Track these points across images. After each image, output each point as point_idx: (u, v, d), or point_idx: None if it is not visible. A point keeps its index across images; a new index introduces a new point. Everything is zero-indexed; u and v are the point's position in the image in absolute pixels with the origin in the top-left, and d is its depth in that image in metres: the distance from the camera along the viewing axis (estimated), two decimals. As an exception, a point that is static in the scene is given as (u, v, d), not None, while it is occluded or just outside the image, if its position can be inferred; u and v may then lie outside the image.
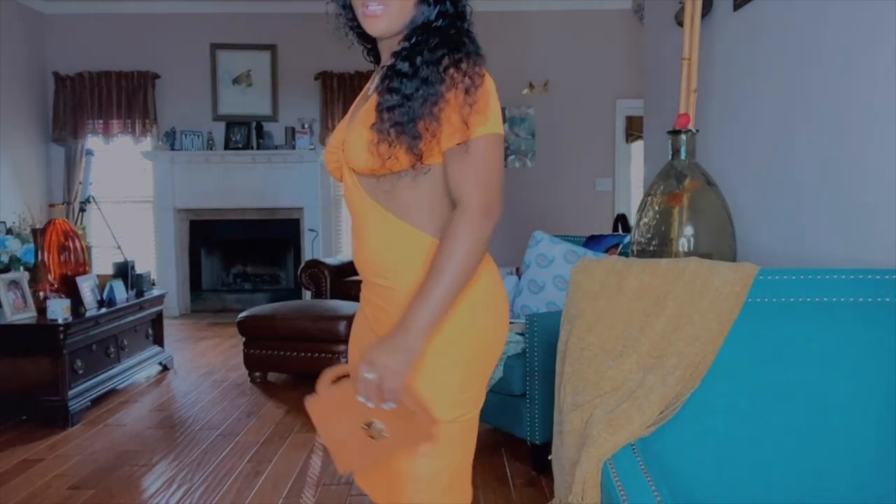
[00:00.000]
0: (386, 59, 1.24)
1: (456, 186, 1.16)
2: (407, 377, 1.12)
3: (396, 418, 1.14)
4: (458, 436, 1.25)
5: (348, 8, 1.27)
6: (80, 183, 6.69)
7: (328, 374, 1.19)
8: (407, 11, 1.20)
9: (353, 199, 1.26)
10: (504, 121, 6.87)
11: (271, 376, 4.36)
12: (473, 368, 1.26)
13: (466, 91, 1.13)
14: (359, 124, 1.21)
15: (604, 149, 7.02)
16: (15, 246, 3.71)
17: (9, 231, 4.06)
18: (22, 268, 3.69)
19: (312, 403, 1.19)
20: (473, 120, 1.13)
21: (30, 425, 3.42)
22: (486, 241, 1.16)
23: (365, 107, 1.23)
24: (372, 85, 1.29)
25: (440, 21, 1.19)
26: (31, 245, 3.74)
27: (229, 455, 3.04)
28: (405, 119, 1.13)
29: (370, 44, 1.33)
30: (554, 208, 6.90)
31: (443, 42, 1.17)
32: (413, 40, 1.19)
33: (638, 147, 6.83)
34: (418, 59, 1.15)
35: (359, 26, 1.26)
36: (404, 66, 1.16)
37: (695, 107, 2.42)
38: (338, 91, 6.71)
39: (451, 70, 1.14)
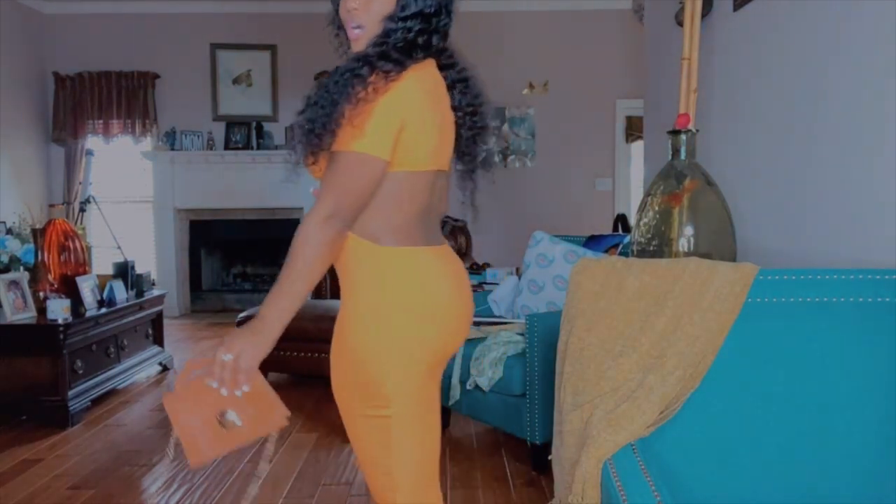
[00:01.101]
0: None
1: (321, 189, 1.22)
2: (259, 360, 1.19)
3: (248, 406, 1.18)
4: (377, 432, 1.31)
5: (344, 30, 1.34)
6: (80, 183, 6.69)
7: (186, 369, 1.23)
8: (377, 28, 1.26)
9: None
10: (504, 121, 6.92)
11: (271, 376, 4.36)
12: (378, 366, 1.28)
13: (356, 103, 1.17)
14: None
15: (604, 149, 7.02)
16: (15, 246, 3.71)
17: (9, 231, 4.06)
18: (22, 268, 3.68)
19: (167, 397, 1.22)
20: (348, 132, 1.18)
21: (30, 425, 3.42)
22: (326, 244, 1.20)
23: None
24: None
25: (397, 35, 1.24)
26: (31, 245, 3.74)
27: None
28: (302, 122, 1.22)
29: None
30: (554, 208, 6.90)
31: (371, 55, 1.21)
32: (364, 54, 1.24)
33: (638, 147, 6.83)
34: (338, 71, 1.22)
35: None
36: (325, 79, 1.23)
37: (695, 107, 2.42)
38: (338, 91, 6.70)
39: (354, 81, 1.19)
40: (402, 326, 1.28)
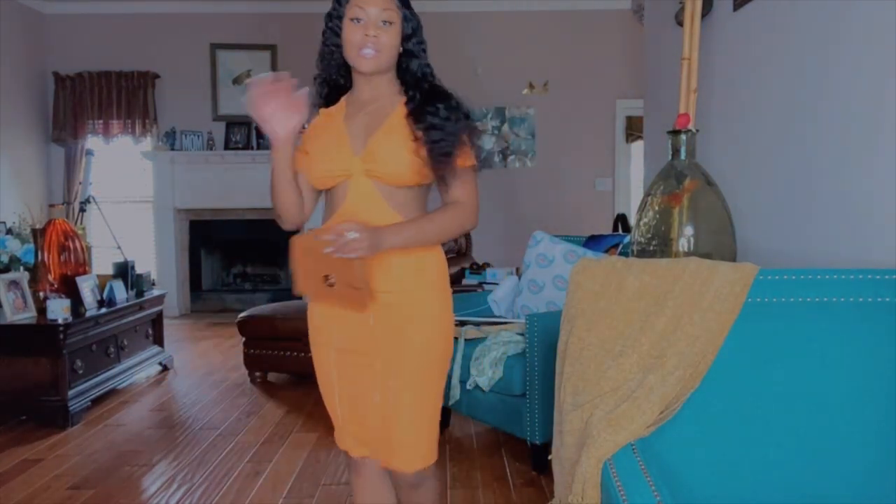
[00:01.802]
0: (365, 91, 1.64)
1: (460, 194, 1.61)
2: (370, 253, 1.49)
3: (347, 283, 1.52)
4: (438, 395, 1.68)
5: (339, 47, 1.64)
6: (80, 183, 6.69)
7: (322, 230, 1.55)
8: (391, 59, 1.60)
9: (364, 200, 1.59)
10: (504, 121, 6.94)
11: (271, 376, 4.36)
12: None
13: (471, 134, 1.61)
14: (390, 145, 1.57)
15: (604, 149, 7.02)
16: (15, 246, 3.71)
17: (9, 231, 4.06)
18: (22, 268, 3.68)
19: (299, 238, 1.56)
20: (472, 153, 1.60)
21: (30, 425, 3.42)
22: (462, 232, 1.65)
23: (383, 132, 1.59)
24: (361, 109, 1.64)
25: (429, 76, 1.64)
26: (31, 245, 3.74)
27: (229, 455, 3.04)
28: (449, 150, 1.55)
29: (343, 79, 1.72)
30: (554, 208, 6.90)
31: (447, 96, 1.62)
32: (421, 90, 1.61)
33: (638, 147, 6.83)
34: (443, 109, 1.58)
35: (340, 64, 1.67)
36: (442, 113, 1.57)
37: (695, 107, 2.42)
38: (338, 91, 6.70)
39: (464, 119, 1.60)
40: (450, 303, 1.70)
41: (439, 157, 1.54)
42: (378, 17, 1.56)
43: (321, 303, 1.63)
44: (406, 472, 1.63)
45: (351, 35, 1.57)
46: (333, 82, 1.72)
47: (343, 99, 1.69)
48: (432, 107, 1.58)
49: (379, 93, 1.63)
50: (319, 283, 1.55)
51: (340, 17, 1.61)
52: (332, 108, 1.70)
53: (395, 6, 1.58)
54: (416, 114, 1.58)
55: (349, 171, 1.59)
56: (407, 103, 1.61)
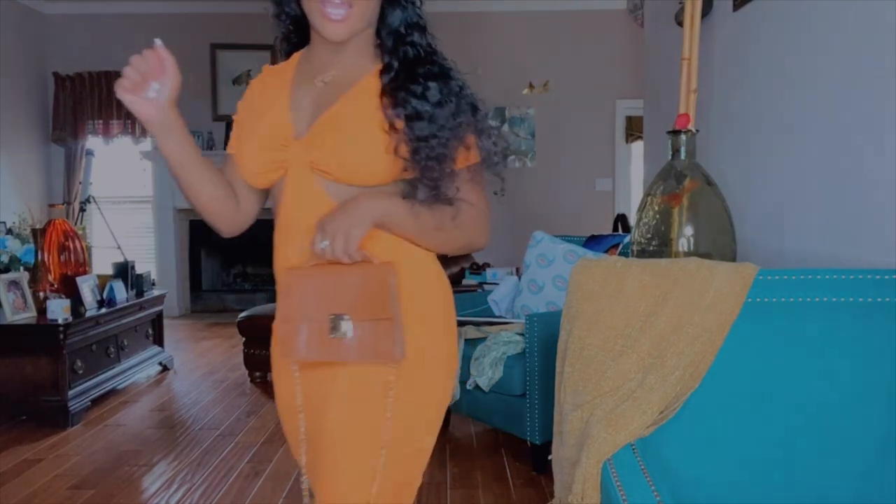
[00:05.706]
0: (326, 51, 1.17)
1: (469, 197, 1.18)
2: (363, 232, 1.06)
3: (365, 329, 1.04)
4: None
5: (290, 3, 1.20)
6: (80, 183, 6.69)
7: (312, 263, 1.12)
8: (368, 13, 1.13)
9: (306, 204, 1.16)
10: (504, 121, 6.94)
11: (271, 376, 4.36)
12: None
13: (478, 131, 1.16)
14: (347, 128, 1.13)
15: (604, 149, 7.02)
16: (15, 246, 3.71)
17: (9, 231, 4.06)
18: (22, 268, 3.68)
19: (293, 272, 1.11)
20: (475, 151, 1.17)
21: (30, 425, 3.42)
22: (468, 241, 1.21)
23: (339, 107, 1.14)
24: (317, 74, 1.18)
25: (418, 38, 1.16)
26: (31, 245, 3.74)
27: (229, 455, 3.04)
28: (444, 150, 1.11)
29: (297, 38, 1.25)
30: (554, 208, 6.90)
31: (443, 71, 1.15)
32: (404, 56, 1.15)
33: (638, 147, 6.83)
34: (434, 90, 1.12)
35: (296, 25, 1.22)
36: (432, 95, 1.11)
37: (695, 107, 2.42)
38: (338, 91, 6.70)
39: (473, 101, 1.16)
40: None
41: (427, 160, 1.10)
42: None
43: (329, 368, 1.12)
44: None
45: None
46: (289, 40, 1.25)
47: (297, 55, 1.24)
48: (418, 84, 1.12)
49: (345, 55, 1.17)
50: (325, 338, 1.06)
51: None
52: (280, 66, 1.25)
53: None
54: (394, 92, 1.12)
55: (285, 160, 1.15)
56: (382, 73, 1.14)
